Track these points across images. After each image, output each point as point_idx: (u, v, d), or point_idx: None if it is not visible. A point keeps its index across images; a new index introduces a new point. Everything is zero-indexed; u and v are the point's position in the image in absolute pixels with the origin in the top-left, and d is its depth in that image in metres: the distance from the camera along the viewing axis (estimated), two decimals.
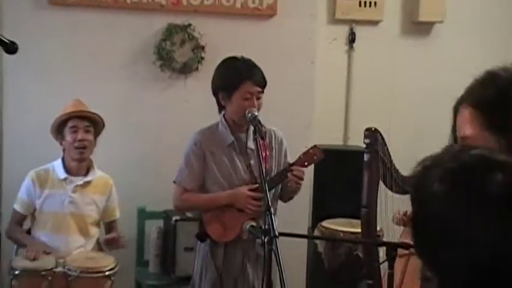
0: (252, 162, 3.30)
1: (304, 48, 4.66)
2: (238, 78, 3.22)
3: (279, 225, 2.68)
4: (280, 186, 3.36)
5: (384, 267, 2.77)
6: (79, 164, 3.85)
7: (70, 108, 3.83)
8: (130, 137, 4.50)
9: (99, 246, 3.88)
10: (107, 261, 3.61)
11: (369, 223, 3.03)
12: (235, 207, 3.27)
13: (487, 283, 1.08)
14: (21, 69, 4.29)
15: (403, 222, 3.38)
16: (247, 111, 3.13)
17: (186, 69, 4.48)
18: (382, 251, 2.85)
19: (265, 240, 2.57)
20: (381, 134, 3.04)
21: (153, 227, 4.28)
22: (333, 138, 4.96)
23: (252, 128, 3.15)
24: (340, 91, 5.12)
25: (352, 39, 5.08)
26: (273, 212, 2.70)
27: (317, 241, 4.21)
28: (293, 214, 4.15)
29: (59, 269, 3.50)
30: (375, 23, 5.10)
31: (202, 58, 4.46)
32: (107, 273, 3.54)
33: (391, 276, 2.59)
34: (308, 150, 3.37)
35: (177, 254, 4.07)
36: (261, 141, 3.01)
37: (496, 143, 1.34)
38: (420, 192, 1.16)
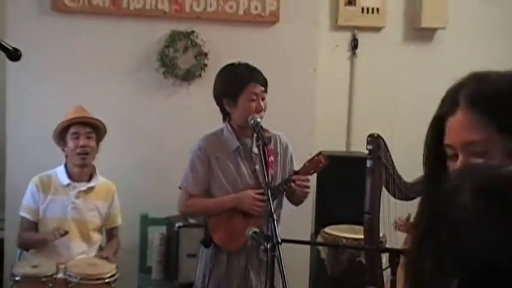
0: (257, 167, 3.30)
1: (307, 55, 4.67)
2: (241, 81, 3.23)
3: (282, 231, 2.68)
4: (284, 193, 3.36)
5: (387, 274, 2.77)
6: (81, 170, 3.86)
7: (72, 115, 3.84)
8: (133, 143, 4.50)
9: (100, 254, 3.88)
10: (107, 268, 3.61)
11: (372, 229, 3.02)
12: (241, 213, 3.26)
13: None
14: (24, 75, 4.30)
15: (405, 228, 3.38)
16: (249, 118, 3.13)
17: (189, 76, 4.49)
18: (384, 257, 2.84)
19: (268, 246, 2.56)
20: (383, 140, 3.04)
21: (156, 234, 4.27)
22: (335, 145, 4.96)
23: (255, 135, 3.16)
24: (342, 97, 5.13)
25: (354, 45, 5.08)
26: (275, 218, 2.70)
27: (320, 247, 4.21)
28: (296, 220, 4.15)
29: (60, 275, 3.50)
30: (377, 29, 5.11)
31: (205, 65, 4.47)
32: (107, 280, 3.54)
33: (393, 283, 2.59)
34: (313, 157, 3.37)
35: (180, 260, 4.07)
36: (265, 147, 3.01)
37: (504, 146, 1.33)
38: (446, 202, 1.16)
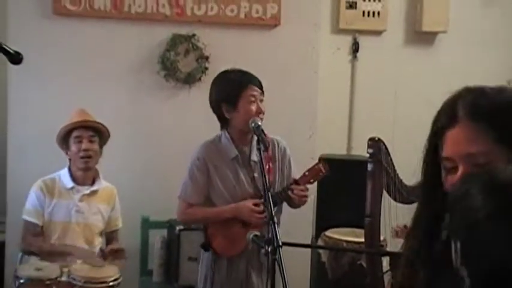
0: (255, 174, 3.30)
1: (308, 58, 4.67)
2: (238, 85, 3.23)
3: (282, 234, 2.68)
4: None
5: (388, 277, 2.77)
6: (85, 174, 3.86)
7: (74, 118, 3.84)
8: (135, 147, 4.51)
9: (103, 255, 3.88)
10: (111, 272, 3.61)
11: (373, 233, 3.03)
12: (241, 221, 3.27)
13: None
14: (26, 78, 4.31)
15: (403, 234, 3.38)
16: (250, 121, 3.13)
17: (190, 79, 4.49)
18: (385, 261, 2.85)
19: (269, 249, 2.56)
20: (384, 144, 3.05)
21: (157, 237, 4.27)
22: (336, 148, 4.96)
23: (255, 139, 3.16)
24: (343, 101, 5.13)
25: (355, 49, 5.09)
26: (276, 221, 2.70)
27: (320, 250, 4.21)
28: (296, 224, 4.15)
29: (63, 278, 3.50)
30: (378, 32, 5.11)
31: (206, 68, 4.47)
32: (110, 283, 3.53)
33: (394, 286, 2.59)
34: (313, 166, 3.37)
35: (181, 263, 4.07)
36: (265, 153, 3.00)
37: (505, 157, 1.34)
38: (461, 204, 1.18)
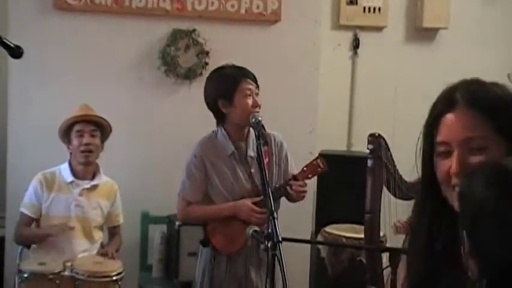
0: (252, 170, 3.30)
1: (308, 54, 4.67)
2: (233, 80, 3.24)
3: (281, 230, 2.68)
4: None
5: (387, 273, 2.77)
6: (85, 168, 3.86)
7: (77, 112, 3.85)
8: (135, 142, 4.51)
9: (102, 252, 3.88)
10: (114, 266, 3.62)
11: (372, 229, 3.03)
12: (240, 218, 3.27)
13: None
14: (26, 73, 4.31)
15: (403, 230, 3.38)
16: (250, 117, 3.12)
17: (191, 75, 4.49)
18: (385, 257, 2.85)
19: (269, 245, 2.56)
20: (384, 140, 3.05)
21: (157, 232, 4.27)
22: (336, 144, 4.96)
23: (252, 136, 3.15)
24: (344, 97, 5.13)
25: (356, 45, 5.09)
26: (276, 216, 2.70)
27: (320, 246, 4.21)
28: (296, 219, 4.16)
29: (67, 272, 3.51)
30: (379, 29, 5.11)
31: (207, 63, 4.47)
32: (114, 277, 3.55)
33: (394, 282, 2.59)
34: (312, 161, 3.37)
35: (181, 258, 4.07)
36: (265, 147, 3.00)
37: (501, 145, 1.34)
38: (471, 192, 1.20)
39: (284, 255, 2.56)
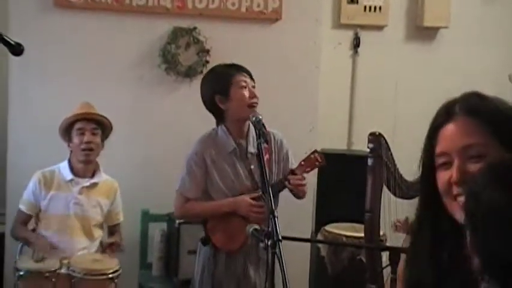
0: (252, 167, 3.30)
1: (309, 53, 4.66)
2: (227, 75, 3.28)
3: (282, 229, 2.68)
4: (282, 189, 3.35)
5: (387, 272, 2.77)
6: (85, 166, 3.86)
7: (78, 110, 3.85)
8: (135, 140, 4.51)
9: (102, 249, 3.89)
10: (111, 264, 3.62)
11: (372, 228, 3.03)
12: (240, 215, 3.26)
13: None
14: (26, 71, 4.30)
15: (403, 229, 3.38)
16: (251, 116, 3.12)
17: (191, 73, 4.49)
18: (385, 256, 2.85)
19: (269, 243, 2.56)
20: (384, 139, 3.05)
21: (157, 230, 4.27)
22: (337, 143, 4.97)
23: (252, 132, 3.15)
24: (344, 96, 5.13)
25: (356, 44, 5.09)
26: (276, 215, 2.69)
27: (320, 245, 4.21)
28: (296, 218, 4.16)
29: (63, 270, 3.51)
30: (379, 28, 5.11)
31: (207, 61, 4.47)
32: (110, 275, 3.55)
33: (394, 281, 2.59)
34: (309, 155, 3.36)
35: (181, 257, 4.07)
36: (265, 145, 3.00)
37: (500, 153, 1.35)
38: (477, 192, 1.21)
39: (284, 254, 2.56)
